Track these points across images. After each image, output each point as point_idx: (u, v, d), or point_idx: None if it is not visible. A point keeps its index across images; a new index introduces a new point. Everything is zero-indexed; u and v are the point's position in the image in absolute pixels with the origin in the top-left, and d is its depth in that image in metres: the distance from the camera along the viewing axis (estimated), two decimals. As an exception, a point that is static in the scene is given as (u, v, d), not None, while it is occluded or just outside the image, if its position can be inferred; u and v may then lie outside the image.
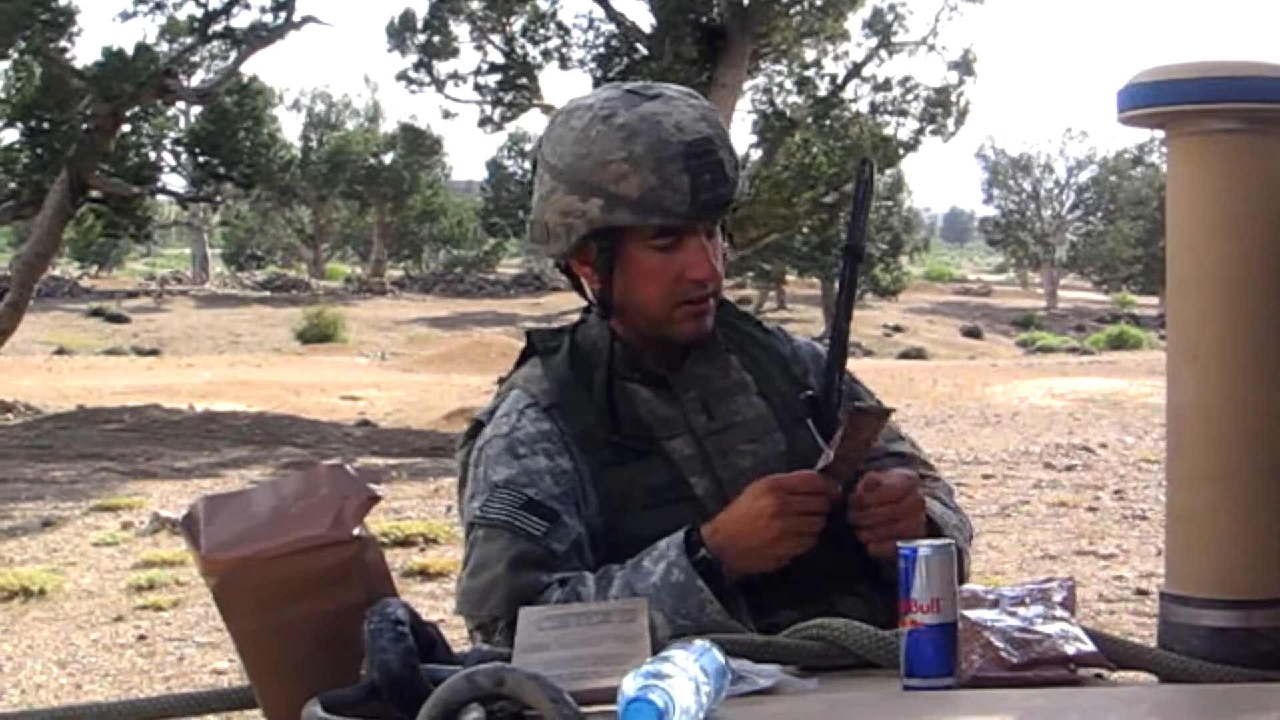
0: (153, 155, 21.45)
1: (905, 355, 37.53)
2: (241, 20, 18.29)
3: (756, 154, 21.20)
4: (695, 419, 1.95)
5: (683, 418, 1.95)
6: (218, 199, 26.10)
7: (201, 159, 21.11)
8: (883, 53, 22.24)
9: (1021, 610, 1.52)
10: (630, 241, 1.90)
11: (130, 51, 17.47)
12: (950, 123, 22.39)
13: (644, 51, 20.26)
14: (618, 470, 1.92)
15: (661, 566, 1.79)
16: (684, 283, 1.89)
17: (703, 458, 1.93)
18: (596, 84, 20.49)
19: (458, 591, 1.92)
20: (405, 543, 8.90)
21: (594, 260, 1.93)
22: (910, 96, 22.38)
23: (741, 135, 22.01)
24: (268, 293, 49.76)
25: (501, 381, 2.08)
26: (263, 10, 18.15)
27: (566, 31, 21.51)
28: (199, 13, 18.16)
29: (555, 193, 1.91)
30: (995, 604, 1.54)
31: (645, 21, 20.35)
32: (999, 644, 1.47)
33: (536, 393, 1.97)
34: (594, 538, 1.90)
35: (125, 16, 18.55)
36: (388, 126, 57.58)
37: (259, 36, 18.23)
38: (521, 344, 2.08)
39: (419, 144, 50.94)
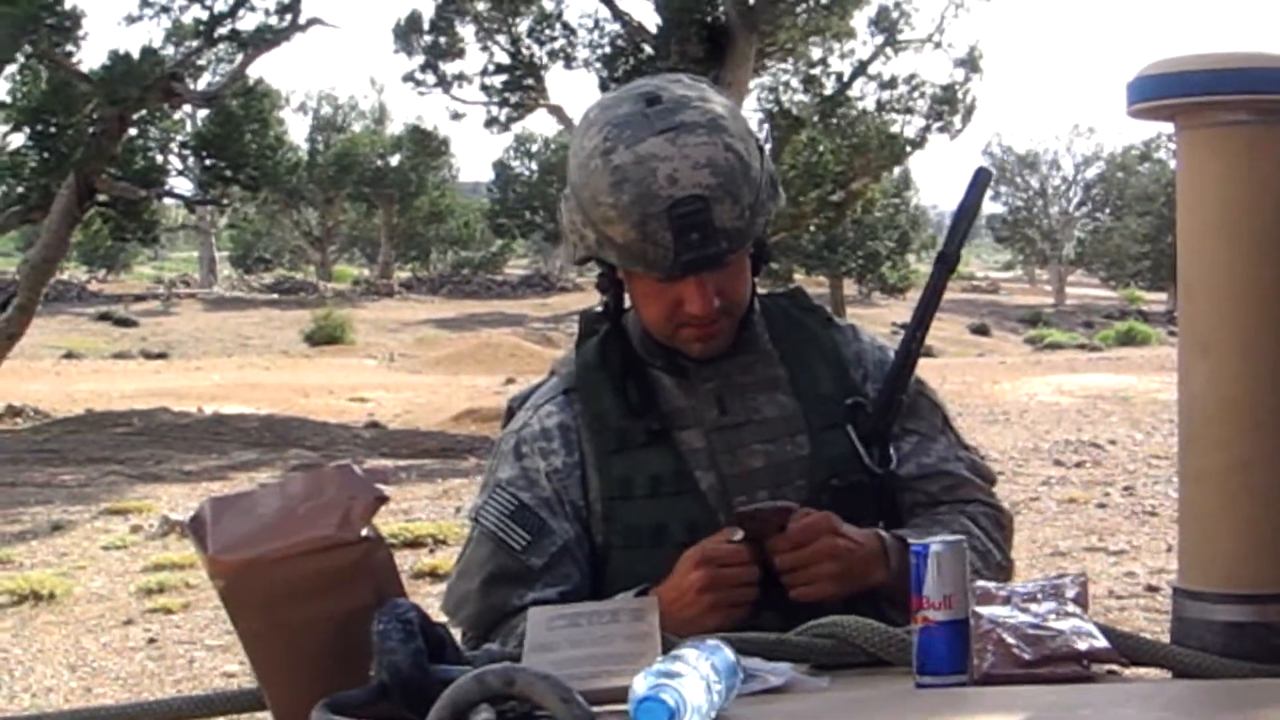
0: (159, 158, 21.51)
1: (913, 353, 37.34)
2: (247, 23, 18.36)
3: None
4: (707, 412, 1.91)
5: (697, 409, 1.91)
6: (225, 202, 26.14)
7: (208, 162, 21.13)
8: (889, 50, 22.24)
9: (1034, 606, 1.51)
10: None
11: (136, 55, 17.49)
12: (957, 120, 22.38)
13: (650, 51, 20.24)
14: (624, 456, 1.90)
15: None
16: (682, 312, 1.85)
17: (710, 452, 1.89)
18: (603, 85, 20.54)
19: (446, 587, 1.97)
20: (414, 544, 8.92)
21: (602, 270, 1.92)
22: (916, 94, 22.37)
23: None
24: (275, 295, 49.78)
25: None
26: (268, 13, 18.20)
27: (572, 31, 21.51)
28: (204, 16, 18.21)
29: (568, 200, 1.88)
30: (1007, 600, 1.53)
31: (651, 21, 20.33)
32: (1011, 641, 1.46)
33: (564, 375, 1.98)
34: (593, 523, 1.90)
35: (131, 20, 18.60)
36: (394, 128, 57.48)
37: (265, 39, 18.26)
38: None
39: (425, 145, 50.82)
